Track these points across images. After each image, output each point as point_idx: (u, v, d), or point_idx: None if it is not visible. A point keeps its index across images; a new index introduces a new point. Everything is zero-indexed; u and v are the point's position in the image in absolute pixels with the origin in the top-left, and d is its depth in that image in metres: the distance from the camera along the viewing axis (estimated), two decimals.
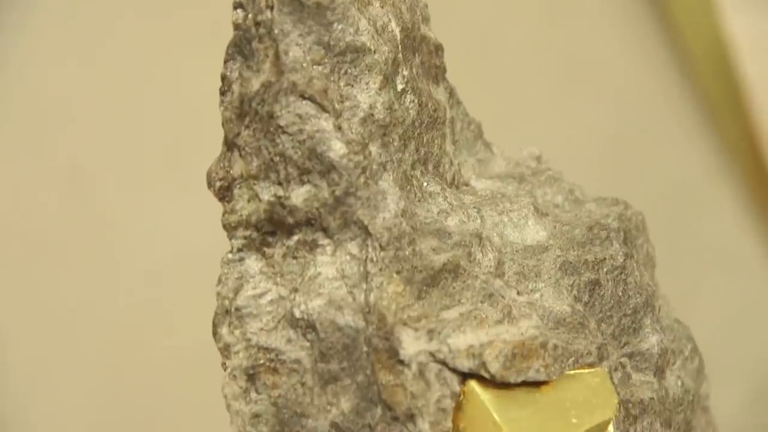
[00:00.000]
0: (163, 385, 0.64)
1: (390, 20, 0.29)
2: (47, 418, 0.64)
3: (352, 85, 0.28)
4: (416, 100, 0.29)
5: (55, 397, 0.64)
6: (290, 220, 0.28)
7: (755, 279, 0.66)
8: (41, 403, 0.64)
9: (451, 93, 0.32)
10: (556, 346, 0.28)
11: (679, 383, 0.30)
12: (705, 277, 0.66)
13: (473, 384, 0.27)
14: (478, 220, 0.30)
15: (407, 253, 0.28)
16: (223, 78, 0.29)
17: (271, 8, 0.28)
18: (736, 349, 0.64)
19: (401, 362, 0.27)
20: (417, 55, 0.30)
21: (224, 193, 0.29)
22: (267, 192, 0.29)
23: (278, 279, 0.29)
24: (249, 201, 0.29)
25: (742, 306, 0.66)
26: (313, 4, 0.28)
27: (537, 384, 0.28)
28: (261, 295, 0.29)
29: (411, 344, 0.27)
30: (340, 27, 0.28)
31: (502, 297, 0.29)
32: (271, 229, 0.29)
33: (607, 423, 0.28)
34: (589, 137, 0.64)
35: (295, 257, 0.29)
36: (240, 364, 0.29)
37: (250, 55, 0.28)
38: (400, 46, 0.29)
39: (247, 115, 0.28)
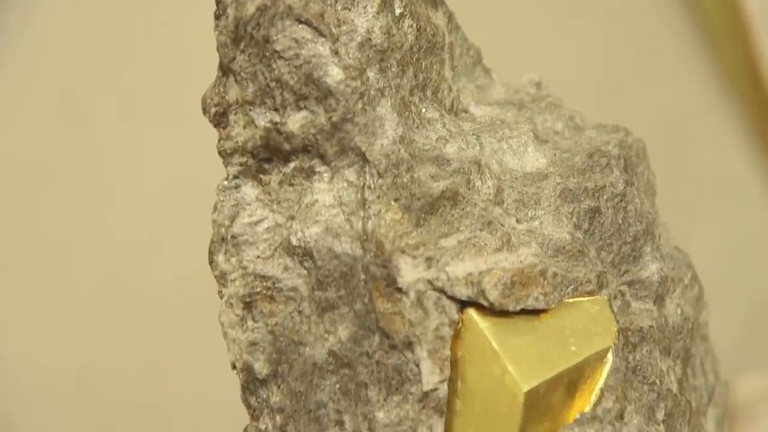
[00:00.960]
0: (159, 314, 0.64)
1: None
2: (40, 347, 0.64)
3: (350, 9, 0.28)
4: (414, 25, 0.29)
5: (48, 326, 0.64)
6: (287, 146, 0.28)
7: (755, 208, 0.66)
8: (34, 333, 0.64)
9: (450, 18, 0.31)
10: (555, 274, 0.28)
11: (679, 311, 0.30)
12: (704, 206, 0.65)
13: (472, 312, 0.27)
14: (477, 147, 0.29)
15: (405, 180, 0.28)
16: (218, 2, 0.28)
17: None
18: (736, 278, 0.64)
19: (399, 290, 0.27)
20: None
21: (219, 119, 0.29)
22: (263, 118, 0.28)
23: (275, 206, 0.28)
24: (245, 127, 0.28)
25: (741, 235, 0.66)
26: None
27: (536, 312, 0.28)
28: (257, 223, 0.28)
29: (409, 272, 0.27)
30: None
31: (501, 225, 0.28)
32: (267, 155, 0.28)
33: (606, 351, 0.28)
34: (588, 64, 0.63)
35: (291, 184, 0.28)
36: (236, 292, 0.28)
37: None
38: None
39: (243, 40, 0.28)
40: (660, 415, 0.28)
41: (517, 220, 0.29)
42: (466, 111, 0.31)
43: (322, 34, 0.27)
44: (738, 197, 0.66)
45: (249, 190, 0.29)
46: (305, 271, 0.28)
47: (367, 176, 0.28)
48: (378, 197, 0.27)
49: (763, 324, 0.65)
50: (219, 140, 0.29)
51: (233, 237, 0.28)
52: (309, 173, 0.28)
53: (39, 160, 0.62)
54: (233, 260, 0.28)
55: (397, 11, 0.29)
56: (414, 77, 0.29)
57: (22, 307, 0.63)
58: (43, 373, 0.64)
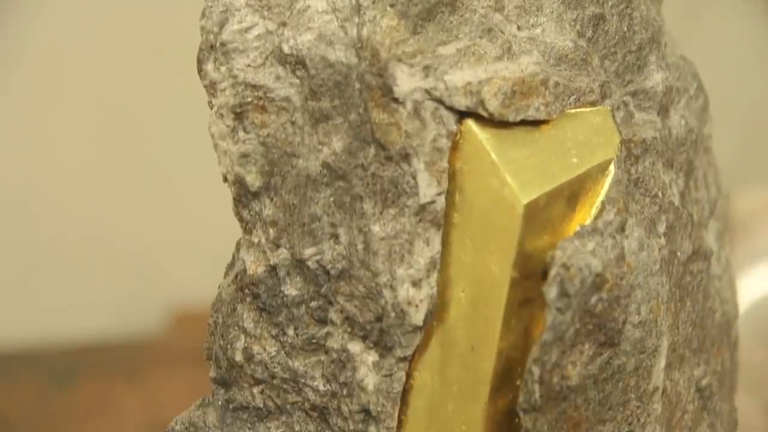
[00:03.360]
0: (148, 125, 0.64)
1: None
2: (40, 153, 0.64)
3: None
4: None
5: (48, 131, 0.63)
6: None
7: (757, 18, 0.65)
8: (35, 138, 0.63)
9: None
10: (557, 84, 0.27)
11: (683, 122, 0.29)
12: (706, 15, 0.64)
13: (470, 123, 0.26)
14: None
15: None
16: None
17: None
18: (736, 91, 0.64)
19: (395, 100, 0.26)
20: None
21: None
22: None
23: (265, 12, 0.27)
24: None
25: (743, 47, 0.65)
26: None
27: (537, 123, 0.27)
28: (247, 30, 0.27)
29: (406, 81, 0.26)
30: None
31: (502, 32, 0.27)
32: None
33: (608, 163, 0.27)
34: None
35: None
36: (227, 102, 0.27)
37: None
38: None
39: None
40: (661, 228, 0.28)
41: (518, 28, 0.28)
42: None
43: None
44: (741, 10, 0.65)
45: None
46: (298, 81, 0.27)
47: None
48: (373, 2, 0.26)
49: (762, 138, 0.64)
50: None
51: (222, 44, 0.27)
52: None
53: None
54: (223, 69, 0.27)
55: None
56: None
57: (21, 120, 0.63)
58: (45, 175, 0.64)
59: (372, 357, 0.27)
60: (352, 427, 0.27)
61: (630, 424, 0.27)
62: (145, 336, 0.75)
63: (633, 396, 0.27)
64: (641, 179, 0.28)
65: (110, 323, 0.71)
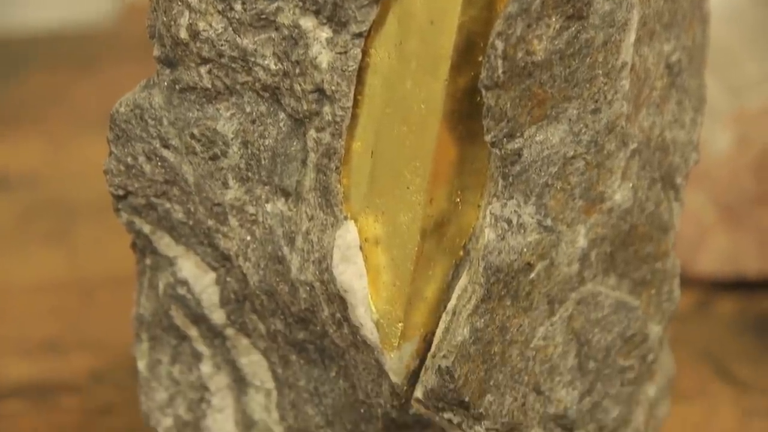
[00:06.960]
0: None
1: None
2: None
3: None
4: None
5: None
6: None
7: None
8: None
9: None
10: None
11: None
12: None
13: None
14: None
15: None
16: None
17: None
18: None
19: None
20: None
21: None
22: None
23: None
24: None
25: None
26: None
27: None
28: None
29: None
30: None
31: None
32: None
33: None
34: None
35: None
36: None
37: None
38: None
39: None
40: None
41: None
42: None
43: None
44: None
45: None
46: None
47: None
48: None
49: None
50: None
51: None
52: None
53: None
54: None
55: None
56: None
57: None
58: None
59: (325, 33, 0.26)
60: (305, 107, 0.26)
61: (596, 102, 0.26)
62: (96, 26, 0.73)
63: (600, 72, 0.26)
64: None
65: (61, 14, 0.69)
